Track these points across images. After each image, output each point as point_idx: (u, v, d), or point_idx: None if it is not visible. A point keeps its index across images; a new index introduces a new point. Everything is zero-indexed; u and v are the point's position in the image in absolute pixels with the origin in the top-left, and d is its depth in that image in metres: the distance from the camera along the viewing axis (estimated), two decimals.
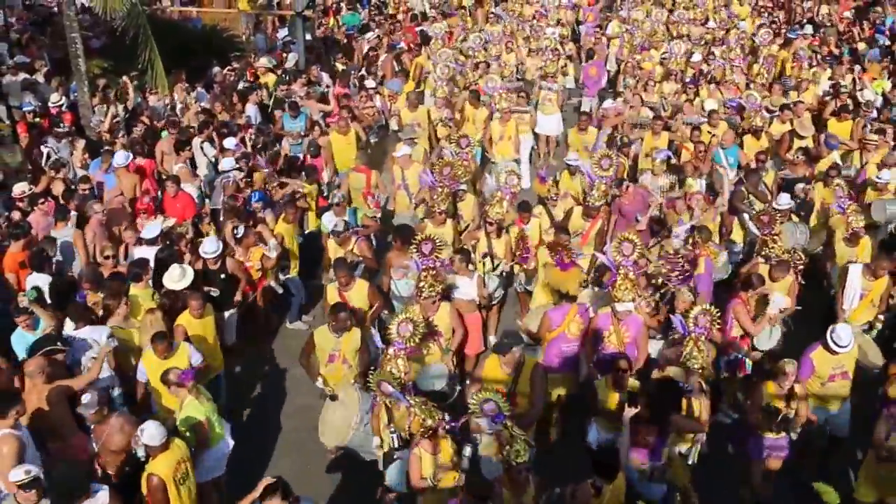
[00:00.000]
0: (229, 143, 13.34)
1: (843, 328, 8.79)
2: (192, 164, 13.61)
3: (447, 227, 10.94)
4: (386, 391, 7.77)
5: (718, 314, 8.66)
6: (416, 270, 9.53)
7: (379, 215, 12.34)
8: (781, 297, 9.74)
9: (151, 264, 10.11)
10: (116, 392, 8.79)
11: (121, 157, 12.64)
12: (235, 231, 10.95)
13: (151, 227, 10.92)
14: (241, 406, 10.32)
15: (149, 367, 8.57)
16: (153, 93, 15.92)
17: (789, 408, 8.14)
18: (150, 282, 9.95)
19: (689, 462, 8.23)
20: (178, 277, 9.89)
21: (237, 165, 12.72)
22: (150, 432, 7.13)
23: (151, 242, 10.72)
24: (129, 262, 10.39)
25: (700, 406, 8.09)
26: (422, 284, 9.18)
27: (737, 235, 12.12)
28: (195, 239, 11.12)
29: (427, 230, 10.58)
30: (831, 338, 8.63)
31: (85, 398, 7.50)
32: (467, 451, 7.43)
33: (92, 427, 7.64)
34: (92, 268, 10.08)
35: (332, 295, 9.84)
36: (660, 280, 9.93)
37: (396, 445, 7.92)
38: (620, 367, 8.18)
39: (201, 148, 13.79)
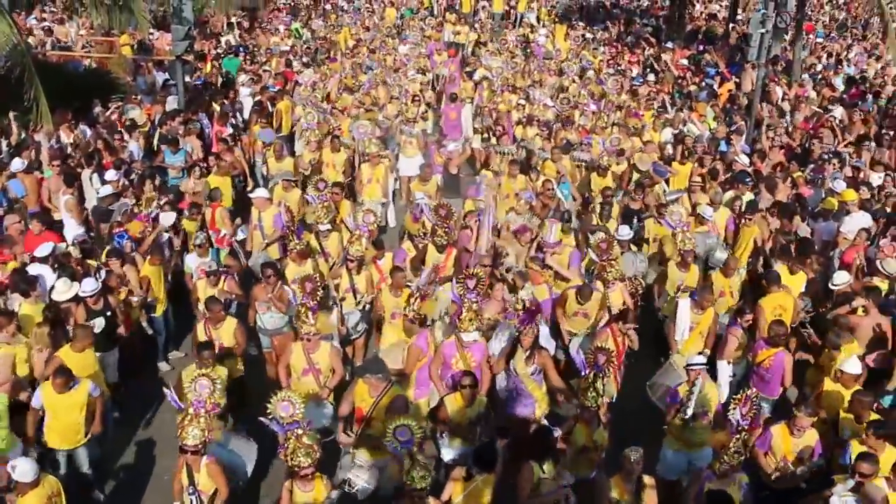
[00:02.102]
0: (111, 175, 13.12)
1: (690, 355, 9.12)
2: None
3: (307, 266, 10.83)
4: (284, 412, 7.47)
5: (613, 352, 8.75)
6: (294, 306, 9.44)
7: (228, 251, 12.08)
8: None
9: (46, 282, 9.93)
10: None
11: (17, 162, 12.87)
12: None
13: (44, 247, 10.67)
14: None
15: (46, 397, 8.34)
16: (38, 130, 15.41)
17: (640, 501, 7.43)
18: (42, 299, 9.76)
19: None
20: (63, 290, 9.73)
21: (114, 191, 12.51)
22: (22, 468, 6.92)
23: (44, 261, 10.49)
24: (20, 278, 10.09)
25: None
26: (299, 322, 8.99)
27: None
28: (83, 259, 10.89)
29: (289, 269, 10.62)
30: (685, 366, 8.81)
31: None
32: (334, 494, 7.32)
33: None
34: None
35: (200, 333, 9.64)
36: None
37: None
38: (465, 384, 8.27)
39: (90, 180, 13.54)
